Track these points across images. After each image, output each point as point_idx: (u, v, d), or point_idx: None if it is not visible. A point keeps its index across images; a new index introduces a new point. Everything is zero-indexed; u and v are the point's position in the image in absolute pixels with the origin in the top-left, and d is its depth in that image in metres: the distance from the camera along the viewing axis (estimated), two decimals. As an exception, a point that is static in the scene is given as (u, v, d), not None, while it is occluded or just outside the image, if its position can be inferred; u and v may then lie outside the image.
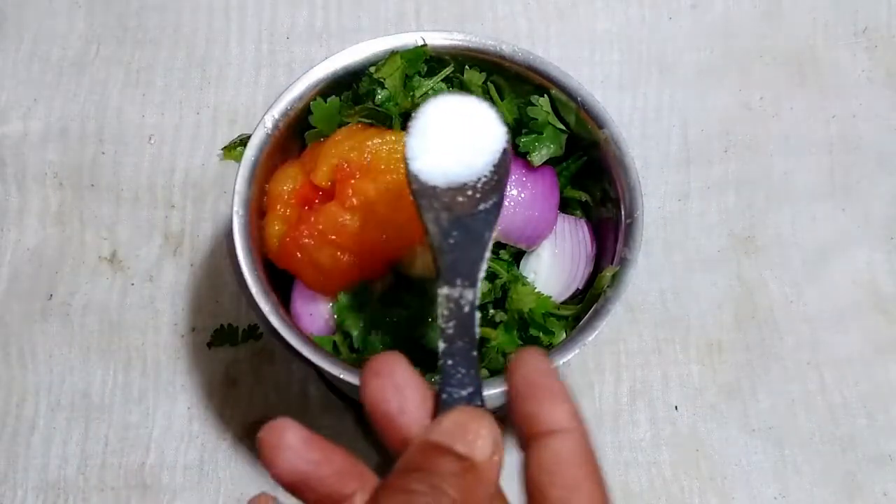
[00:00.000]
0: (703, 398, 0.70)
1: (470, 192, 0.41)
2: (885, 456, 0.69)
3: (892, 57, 0.81)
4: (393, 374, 0.34)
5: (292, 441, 0.33)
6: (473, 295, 0.37)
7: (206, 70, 0.78)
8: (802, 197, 0.77)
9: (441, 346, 0.36)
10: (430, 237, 0.40)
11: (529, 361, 0.35)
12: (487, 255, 0.39)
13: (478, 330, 0.37)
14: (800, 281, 0.74)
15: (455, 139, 0.42)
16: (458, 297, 0.37)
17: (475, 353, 0.36)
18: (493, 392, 0.51)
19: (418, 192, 0.42)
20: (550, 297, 0.57)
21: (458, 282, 0.38)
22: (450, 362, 0.36)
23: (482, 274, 0.38)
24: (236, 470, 0.67)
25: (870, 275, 0.74)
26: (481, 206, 0.41)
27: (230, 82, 0.78)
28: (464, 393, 0.35)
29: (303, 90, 0.58)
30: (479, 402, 0.35)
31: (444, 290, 0.38)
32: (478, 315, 0.37)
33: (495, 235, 0.40)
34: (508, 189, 0.57)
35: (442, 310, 0.37)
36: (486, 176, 0.42)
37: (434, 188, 0.41)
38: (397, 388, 0.34)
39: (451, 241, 0.39)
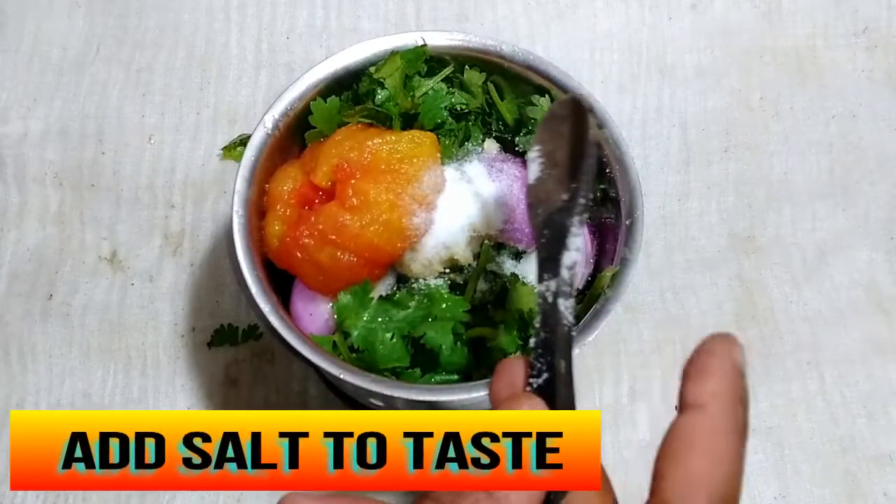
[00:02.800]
0: (703, 398, 0.70)
1: (554, 186, 0.44)
2: (885, 456, 0.69)
3: (892, 57, 0.81)
4: (508, 373, 0.38)
5: None
6: (556, 284, 0.40)
7: (206, 70, 0.78)
8: (802, 197, 0.77)
9: (532, 341, 0.39)
10: (535, 244, 0.44)
11: (702, 344, 0.36)
12: (573, 242, 0.41)
13: (567, 315, 0.39)
14: (800, 281, 0.74)
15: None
16: (545, 290, 0.40)
17: (556, 341, 0.38)
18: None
19: (529, 204, 0.46)
20: (550, 297, 0.57)
21: (546, 276, 0.40)
22: (533, 356, 0.39)
23: (568, 262, 0.41)
24: (236, 470, 0.67)
25: (870, 275, 0.74)
26: (563, 196, 0.43)
27: (230, 82, 0.78)
28: (540, 381, 0.38)
29: (303, 90, 0.58)
30: (554, 387, 0.37)
31: (537, 289, 0.41)
32: (566, 302, 0.39)
33: (583, 223, 0.42)
34: (510, 189, 0.57)
35: (536, 307, 0.40)
36: (569, 167, 0.44)
37: (538, 192, 0.45)
38: (511, 385, 0.38)
39: (543, 239, 0.42)
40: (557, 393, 0.37)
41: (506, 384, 0.38)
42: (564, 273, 0.40)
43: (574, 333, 0.41)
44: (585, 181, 0.42)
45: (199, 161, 0.75)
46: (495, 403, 0.38)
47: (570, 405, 0.37)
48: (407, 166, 0.54)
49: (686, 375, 0.35)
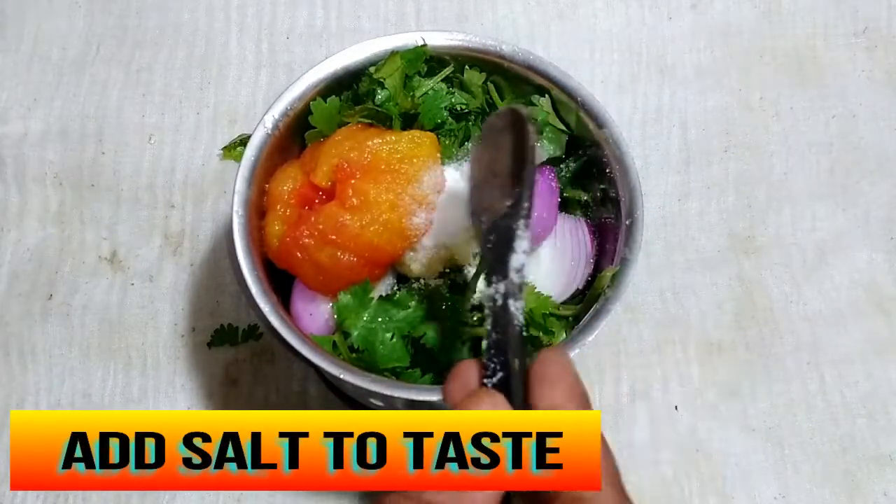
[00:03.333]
0: (703, 398, 0.70)
1: (498, 195, 0.45)
2: (885, 456, 0.69)
3: (892, 57, 0.81)
4: (462, 375, 0.39)
5: None
6: (505, 287, 0.41)
7: (206, 70, 0.78)
8: (802, 197, 0.77)
9: (484, 343, 0.40)
10: (480, 249, 0.45)
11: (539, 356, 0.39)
12: (520, 245, 0.42)
13: (518, 316, 0.40)
14: (800, 281, 0.74)
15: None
16: (493, 293, 0.41)
17: (508, 341, 0.39)
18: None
19: (471, 212, 0.47)
20: (550, 296, 0.57)
21: (494, 279, 0.41)
22: (486, 357, 0.39)
23: (516, 264, 0.41)
24: (236, 470, 0.67)
25: (870, 275, 0.74)
26: (507, 202, 0.44)
27: (230, 82, 0.78)
28: (495, 380, 0.38)
29: (303, 90, 0.58)
30: (509, 385, 0.38)
31: (487, 291, 0.41)
32: (516, 304, 0.40)
33: (528, 226, 0.43)
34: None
35: (486, 310, 0.41)
36: (511, 174, 0.45)
37: (480, 200, 0.46)
38: (464, 387, 0.39)
39: (489, 245, 0.43)
40: (513, 391, 0.38)
41: (459, 385, 0.39)
42: (513, 275, 0.41)
43: (525, 333, 0.42)
44: (528, 186, 0.43)
45: (199, 161, 0.75)
46: (451, 405, 0.39)
47: (526, 403, 0.38)
48: (407, 166, 0.54)
49: (530, 385, 0.38)
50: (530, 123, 0.45)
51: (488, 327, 0.40)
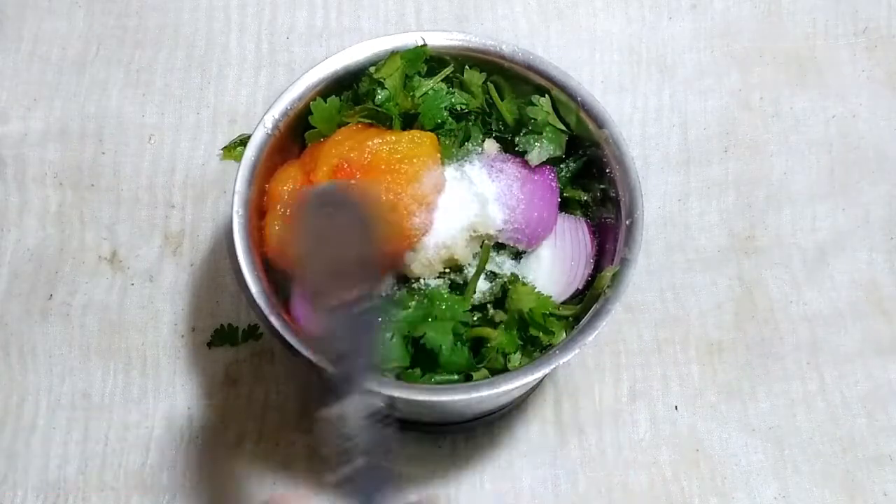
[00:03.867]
0: (703, 398, 0.70)
1: (337, 276, 0.40)
2: (885, 456, 0.69)
3: (892, 57, 0.81)
4: None
5: None
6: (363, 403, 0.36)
7: (206, 70, 0.78)
8: (802, 197, 0.77)
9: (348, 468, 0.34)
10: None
11: None
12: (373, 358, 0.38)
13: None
14: (800, 281, 0.74)
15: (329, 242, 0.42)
16: (351, 412, 0.36)
17: (378, 472, 0.34)
18: (492, 392, 0.51)
19: (312, 293, 0.41)
20: (550, 297, 0.57)
21: (348, 395, 0.36)
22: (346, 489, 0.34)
23: (370, 381, 0.37)
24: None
25: (870, 275, 0.74)
26: (354, 292, 0.40)
27: (230, 82, 0.78)
28: None
29: (303, 90, 0.58)
30: None
31: (332, 411, 0.36)
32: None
33: (381, 329, 0.39)
34: (510, 189, 0.57)
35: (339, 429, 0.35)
36: (356, 268, 0.41)
37: (317, 281, 0.41)
38: None
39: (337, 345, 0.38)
40: None
41: None
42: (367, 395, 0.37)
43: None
44: (378, 282, 0.41)
45: (199, 161, 0.75)
46: None
47: None
48: (407, 166, 0.54)
49: None
50: (368, 211, 0.41)
51: (348, 445, 0.35)
